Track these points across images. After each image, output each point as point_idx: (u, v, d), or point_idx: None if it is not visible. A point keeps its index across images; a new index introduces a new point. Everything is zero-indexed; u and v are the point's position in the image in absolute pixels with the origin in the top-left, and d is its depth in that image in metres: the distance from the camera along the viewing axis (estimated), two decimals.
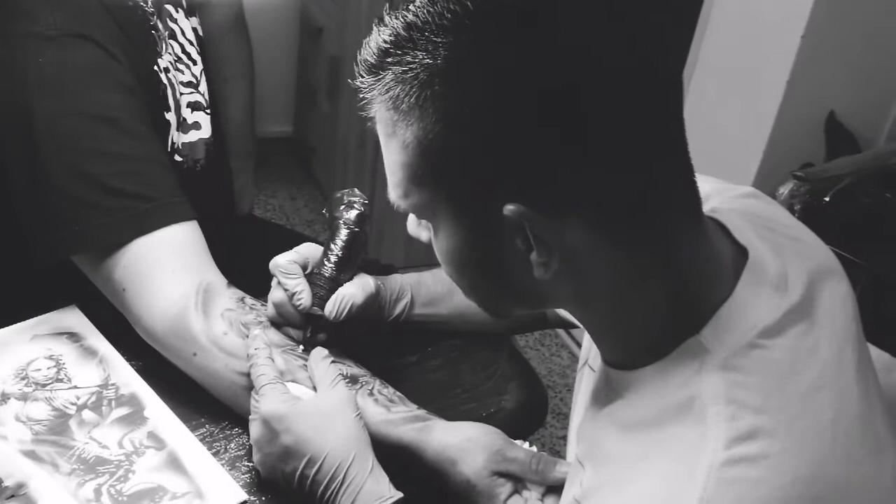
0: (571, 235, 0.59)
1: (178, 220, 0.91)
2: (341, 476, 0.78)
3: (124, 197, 0.88)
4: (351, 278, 0.92)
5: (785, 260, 0.66)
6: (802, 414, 0.59)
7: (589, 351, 0.89)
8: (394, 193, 0.65)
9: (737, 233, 0.67)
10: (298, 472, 0.79)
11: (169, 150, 1.02)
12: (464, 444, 0.84)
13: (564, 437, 2.11)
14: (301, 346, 0.90)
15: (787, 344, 0.62)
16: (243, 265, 0.99)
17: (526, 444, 0.85)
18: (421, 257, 2.43)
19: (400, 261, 2.37)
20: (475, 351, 1.04)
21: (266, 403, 0.80)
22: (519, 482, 0.83)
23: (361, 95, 0.62)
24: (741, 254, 0.66)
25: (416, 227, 0.74)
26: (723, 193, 0.76)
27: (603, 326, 0.68)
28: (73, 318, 0.97)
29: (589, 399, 0.77)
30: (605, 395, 0.71)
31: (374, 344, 0.98)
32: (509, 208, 0.58)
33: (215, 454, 0.86)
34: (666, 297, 0.63)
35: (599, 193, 0.58)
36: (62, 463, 0.81)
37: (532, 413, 1.02)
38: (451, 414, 0.95)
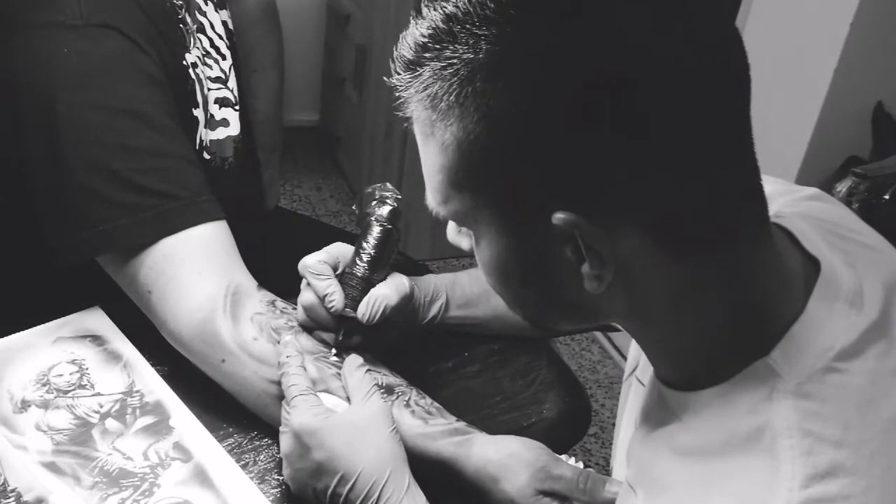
0: (626, 246, 0.54)
1: (206, 219, 0.87)
2: (376, 495, 0.74)
3: (150, 195, 0.84)
4: (384, 278, 0.87)
5: (859, 271, 0.61)
6: (885, 448, 0.54)
7: (636, 360, 0.85)
8: (432, 199, 0.61)
9: (806, 241, 0.62)
10: (331, 490, 0.75)
11: (197, 147, 0.98)
12: (506, 460, 0.79)
13: (595, 436, 2.06)
14: (333, 350, 0.85)
15: (866, 367, 0.57)
16: (273, 264, 0.95)
17: (572, 460, 0.81)
18: (447, 250, 2.44)
19: (426, 253, 2.34)
20: (514, 356, 1.00)
21: (297, 416, 0.76)
22: (565, 501, 0.78)
23: (398, 94, 0.57)
24: (811, 265, 0.61)
25: (457, 235, 0.69)
26: (786, 195, 0.71)
27: (658, 343, 0.63)
28: (96, 320, 0.93)
29: (639, 416, 0.72)
30: (658, 415, 0.66)
31: (408, 348, 0.94)
32: (558, 216, 0.53)
33: (244, 467, 0.82)
34: (730, 313, 0.58)
35: (660, 200, 0.53)
36: (84, 476, 0.78)
37: (574, 423, 0.97)
38: (489, 424, 0.90)
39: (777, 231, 0.61)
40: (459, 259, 2.44)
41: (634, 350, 0.85)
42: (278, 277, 0.89)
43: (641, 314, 0.60)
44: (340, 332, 0.85)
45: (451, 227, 0.68)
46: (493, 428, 0.89)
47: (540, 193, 0.54)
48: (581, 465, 0.80)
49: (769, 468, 0.53)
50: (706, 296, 0.57)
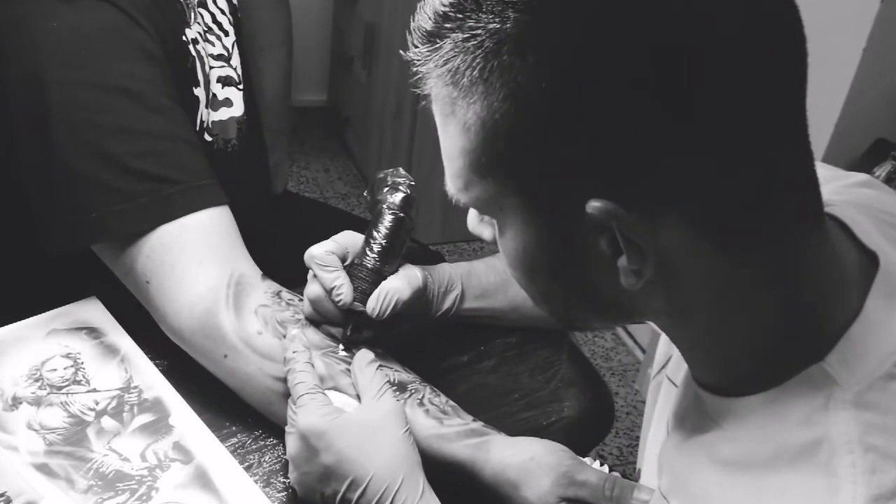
0: (668, 238, 0.49)
1: (207, 204, 0.82)
2: (388, 501, 0.69)
3: (147, 179, 0.79)
4: (396, 270, 0.82)
5: None
6: None
7: (665, 357, 0.79)
8: (452, 185, 0.56)
9: (861, 233, 0.57)
10: (340, 496, 0.70)
11: (197, 128, 0.92)
12: (526, 464, 0.74)
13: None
14: (341, 346, 0.80)
15: None
16: (279, 252, 0.90)
17: (596, 463, 0.76)
18: (458, 233, 2.39)
19: (436, 236, 2.29)
20: (532, 350, 0.94)
21: (304, 417, 0.71)
22: None
23: (415, 69, 0.52)
24: (867, 259, 0.55)
25: (478, 224, 0.64)
26: (833, 182, 0.65)
27: (699, 344, 0.58)
28: (92, 312, 0.88)
29: (671, 420, 0.67)
30: (695, 420, 0.61)
31: (421, 342, 0.89)
32: (594, 205, 0.48)
33: (248, 468, 0.77)
34: (780, 312, 0.53)
35: (707, 187, 0.48)
36: (78, 478, 0.73)
37: (597, 422, 0.92)
38: (507, 423, 0.85)
39: (829, 222, 0.56)
40: (470, 242, 2.39)
41: (664, 346, 0.79)
42: (285, 266, 0.84)
43: (681, 312, 0.55)
44: (349, 327, 0.80)
45: (473, 215, 0.63)
46: (511, 427, 0.85)
47: (573, 179, 0.49)
48: (606, 468, 0.75)
49: (827, 487, 0.48)
50: (753, 293, 0.52)
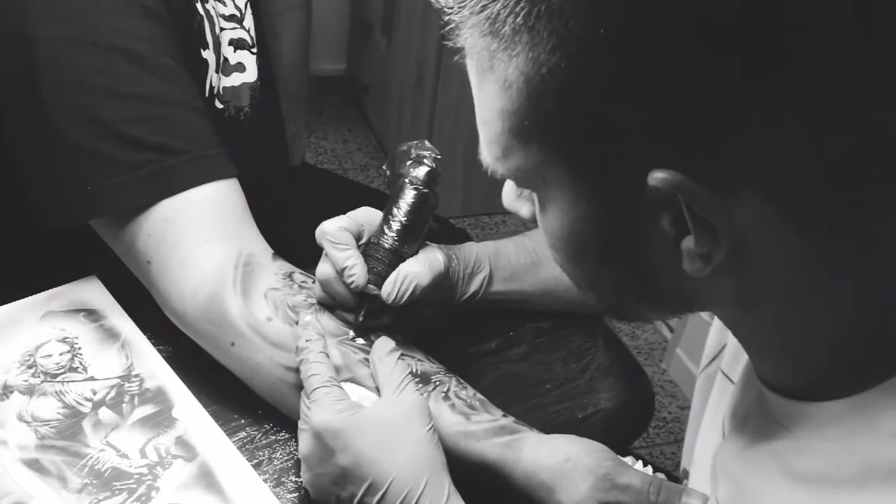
0: (743, 215, 0.42)
1: (213, 177, 0.75)
2: None
3: (146, 149, 0.72)
4: (416, 251, 0.75)
5: None
6: None
7: (716, 348, 0.72)
8: (488, 153, 0.49)
9: None
10: (357, 500, 0.63)
11: (206, 94, 0.85)
12: (562, 465, 0.67)
13: None
14: (351, 333, 0.73)
15: None
16: (294, 230, 0.83)
17: (639, 464, 0.69)
18: (479, 205, 2.32)
19: (456, 209, 2.22)
20: (566, 336, 0.87)
21: (318, 413, 0.65)
22: None
23: (447, 18, 0.45)
24: None
25: (515, 199, 0.57)
26: None
27: (769, 339, 0.51)
28: (92, 292, 0.82)
29: (729, 421, 0.60)
30: (759, 424, 0.54)
31: (444, 327, 0.82)
32: (658, 176, 0.41)
33: (257, 466, 0.71)
34: (869, 306, 0.45)
35: (795, 156, 0.40)
36: (71, 476, 0.67)
37: (636, 416, 0.85)
38: (539, 416, 0.79)
39: None
40: (492, 216, 2.32)
41: (715, 335, 0.72)
42: (300, 245, 0.77)
43: (752, 303, 0.48)
44: (361, 312, 0.73)
45: (509, 188, 0.56)
46: (542, 420, 0.78)
47: (634, 145, 0.42)
48: (650, 469, 0.68)
49: None
50: (839, 283, 0.45)
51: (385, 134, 2.41)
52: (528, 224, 0.58)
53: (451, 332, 0.84)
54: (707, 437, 0.67)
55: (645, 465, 0.69)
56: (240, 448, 0.71)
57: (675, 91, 0.39)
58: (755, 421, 0.55)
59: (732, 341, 0.67)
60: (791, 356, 0.50)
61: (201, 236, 0.73)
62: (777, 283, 0.46)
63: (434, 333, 0.79)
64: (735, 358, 0.65)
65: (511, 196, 0.57)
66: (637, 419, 0.85)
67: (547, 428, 0.73)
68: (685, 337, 1.91)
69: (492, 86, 0.44)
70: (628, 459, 0.68)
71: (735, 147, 0.40)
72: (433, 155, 0.75)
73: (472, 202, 2.27)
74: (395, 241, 0.73)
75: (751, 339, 0.52)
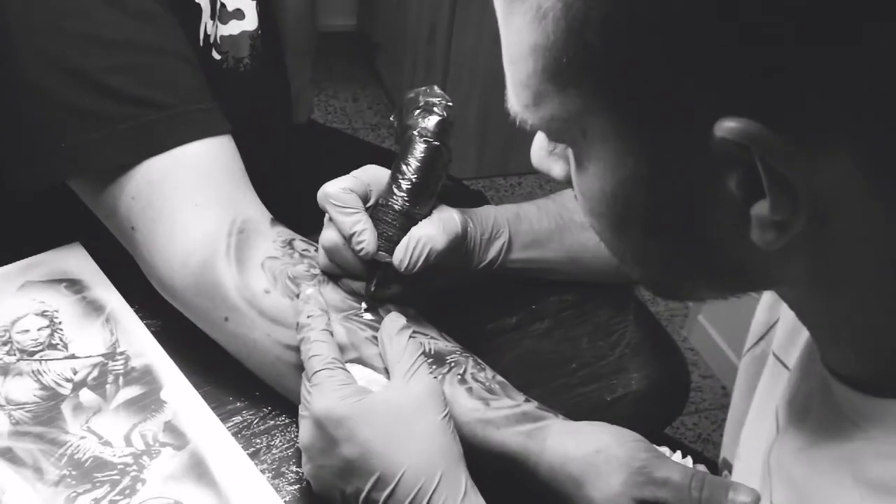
0: (829, 178, 0.35)
1: (203, 133, 0.67)
2: (424, 503, 0.56)
3: (128, 101, 0.64)
4: (429, 212, 0.67)
5: None
6: None
7: (764, 326, 0.65)
8: (516, 99, 0.41)
9: None
10: (364, 495, 0.57)
11: (201, 43, 0.77)
12: (592, 458, 0.60)
13: None
14: (363, 305, 0.66)
15: None
16: (298, 192, 0.76)
17: (677, 455, 0.62)
18: (494, 166, 2.24)
19: (469, 170, 2.14)
20: (592, 309, 0.80)
21: (320, 399, 0.58)
22: None
23: None
24: None
25: (546, 157, 0.49)
26: None
27: (844, 324, 0.44)
28: (75, 260, 0.75)
29: (784, 412, 0.53)
30: (825, 420, 0.47)
31: (460, 300, 0.75)
32: (729, 126, 0.34)
33: (254, 455, 0.64)
34: None
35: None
36: (48, 467, 0.60)
37: (671, 398, 0.78)
38: (564, 398, 0.72)
39: None
40: (507, 178, 2.24)
41: (765, 312, 0.64)
42: (306, 209, 0.70)
43: (829, 284, 0.41)
44: (373, 282, 0.66)
45: (539, 143, 0.49)
46: (568, 404, 0.71)
47: (698, 87, 0.34)
48: (689, 460, 0.61)
49: None
50: None
51: (397, 91, 2.33)
52: (559, 184, 0.51)
53: (466, 306, 0.77)
54: (756, 428, 0.60)
55: (684, 455, 0.61)
56: (235, 434, 0.65)
57: (754, 19, 0.32)
58: (818, 415, 0.48)
59: (786, 320, 0.60)
60: (866, 344, 0.43)
61: (191, 200, 0.66)
62: (858, 261, 0.39)
63: (447, 307, 0.72)
64: (790, 340, 0.58)
65: (541, 153, 0.49)
66: (671, 401, 0.78)
67: (573, 412, 0.66)
68: (708, 303, 1.83)
69: (522, 17, 0.37)
70: (664, 450, 0.61)
71: (834, 95, 0.32)
72: (444, 102, 0.67)
73: (486, 163, 2.19)
74: (406, 201, 0.65)
75: (821, 323, 0.45)
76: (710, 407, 1.78)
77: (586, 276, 0.81)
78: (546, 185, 2.21)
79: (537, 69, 0.38)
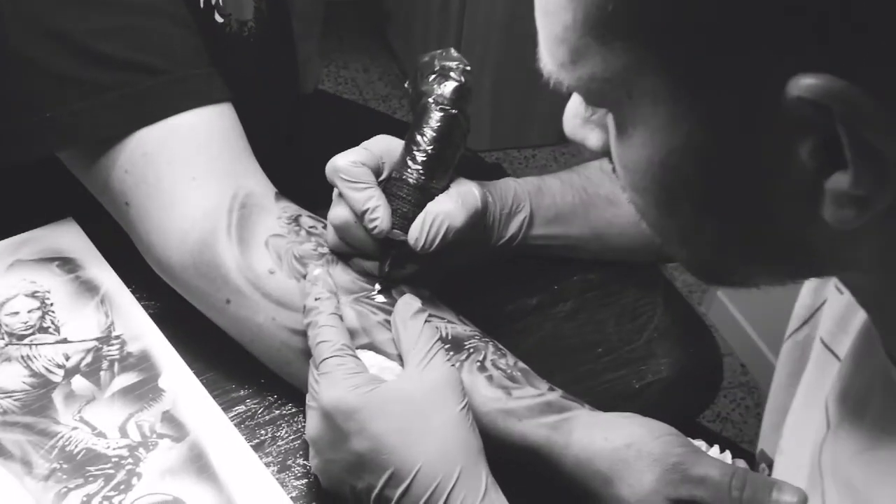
0: None
1: (201, 101, 0.63)
2: (441, 501, 0.51)
3: (118, 67, 0.59)
4: (446, 186, 0.62)
5: None
6: None
7: (808, 311, 0.60)
8: (551, 56, 0.37)
9: None
10: (376, 493, 0.52)
11: (203, 5, 0.72)
12: (622, 452, 0.56)
13: None
14: (377, 287, 0.62)
15: None
16: (303, 164, 0.71)
17: (714, 450, 0.57)
18: (508, 138, 2.18)
19: (483, 143, 2.08)
20: (618, 290, 0.75)
21: (329, 389, 0.53)
22: None
23: None
24: None
25: (581, 124, 0.44)
26: None
27: None
28: (67, 237, 0.70)
29: (835, 406, 0.49)
30: (889, 418, 0.42)
31: (477, 280, 0.70)
32: (807, 83, 0.29)
33: (258, 447, 0.60)
34: None
35: None
36: (37, 460, 0.56)
37: (703, 385, 0.73)
38: (589, 386, 0.67)
39: None
40: (521, 150, 2.18)
41: (810, 294, 0.60)
42: (313, 184, 0.65)
43: None
44: (386, 262, 0.61)
45: (574, 109, 0.44)
46: (594, 391, 0.67)
47: (772, 40, 0.30)
48: (728, 455, 0.57)
49: None
50: None
51: (409, 62, 2.28)
52: (575, 157, 0.46)
53: (483, 286, 0.72)
54: (802, 420, 0.55)
55: (722, 449, 0.57)
56: (238, 425, 0.61)
57: None
58: (880, 412, 0.43)
59: (834, 304, 0.55)
60: None
61: (188, 173, 0.61)
62: None
63: (463, 287, 0.67)
64: (839, 327, 0.53)
65: (575, 121, 0.44)
66: (703, 389, 0.73)
67: (598, 400, 0.61)
68: None
69: None
70: (700, 443, 0.57)
71: None
72: (461, 66, 0.62)
73: (500, 135, 2.13)
74: (421, 174, 0.61)
75: (885, 310, 0.40)
76: (729, 385, 1.73)
77: (611, 254, 0.76)
78: (560, 158, 2.16)
79: (577, 20, 0.33)
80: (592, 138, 0.44)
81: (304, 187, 0.66)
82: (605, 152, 0.42)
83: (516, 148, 2.19)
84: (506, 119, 2.09)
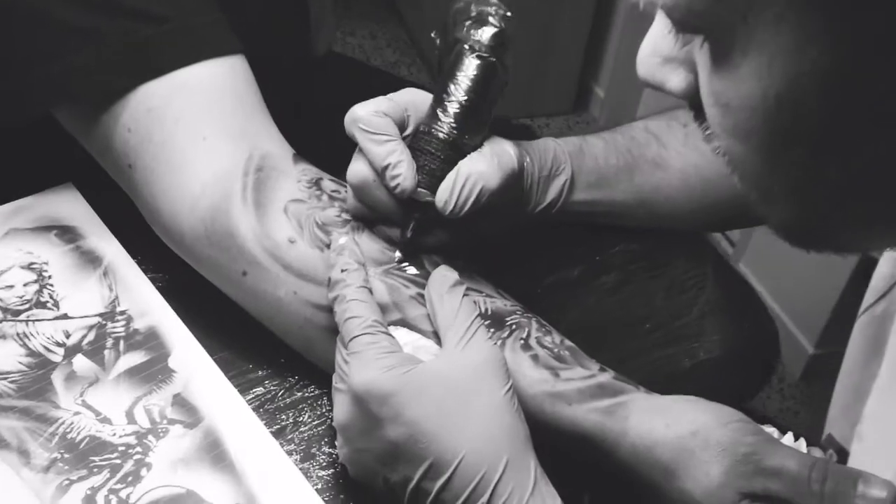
0: None
1: (211, 52, 0.57)
2: (486, 496, 0.46)
3: (119, 14, 0.53)
4: (479, 143, 0.56)
5: None
6: None
7: (887, 282, 0.54)
8: None
9: None
10: (413, 485, 0.47)
11: None
12: (687, 441, 0.50)
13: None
14: (396, 255, 0.56)
15: None
16: (318, 128, 0.65)
17: (788, 437, 0.51)
18: (519, 107, 2.11)
19: (517, 108, 2.01)
20: (666, 261, 0.69)
21: (360, 371, 0.48)
22: None
23: None
24: None
25: (661, 65, 0.38)
26: None
27: None
28: (67, 204, 0.64)
29: None
30: None
31: (511, 250, 0.65)
32: None
33: (278, 433, 0.54)
34: None
35: None
36: (36, 449, 0.51)
37: (758, 363, 0.68)
38: (638, 365, 0.62)
39: None
40: (534, 119, 2.11)
41: (888, 265, 0.54)
42: (327, 152, 0.59)
43: None
44: (409, 227, 0.55)
45: (652, 47, 0.38)
46: (642, 371, 0.61)
47: None
48: (803, 444, 0.51)
49: None
50: None
51: (418, 28, 2.21)
52: (590, 127, 0.40)
53: (518, 257, 0.66)
54: (885, 403, 0.49)
55: (797, 437, 0.51)
56: (256, 409, 0.55)
57: None
58: None
59: None
60: None
61: (198, 132, 0.55)
62: None
63: (496, 258, 0.61)
64: None
65: (653, 60, 0.38)
66: (759, 367, 0.68)
67: (647, 381, 0.56)
68: (749, 250, 1.71)
69: None
70: (772, 430, 0.51)
71: None
72: (501, 12, 0.55)
73: (511, 103, 2.07)
74: (454, 128, 0.54)
75: None
76: None
77: (657, 221, 0.70)
78: (575, 128, 2.09)
79: None
80: (674, 80, 0.38)
81: (317, 157, 0.60)
82: (687, 95, 0.36)
83: (529, 117, 2.13)
84: (518, 87, 2.02)
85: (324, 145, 0.58)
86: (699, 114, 0.35)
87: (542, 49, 1.97)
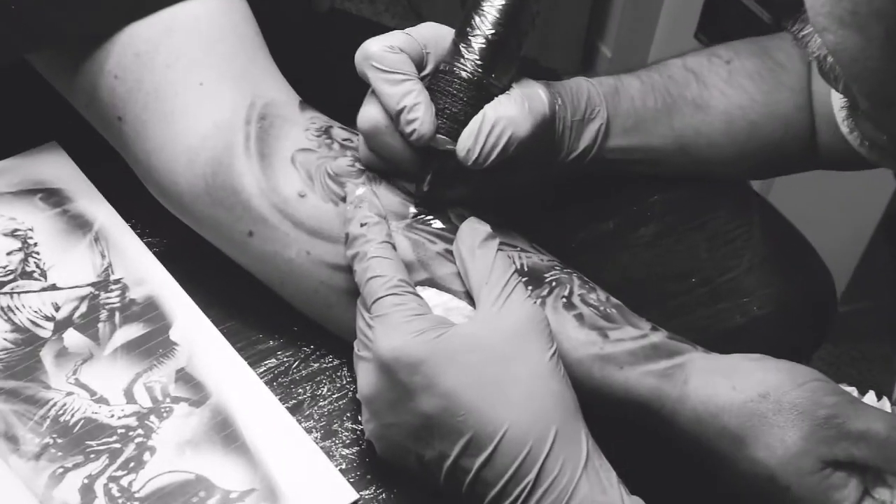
0: None
1: None
2: (533, 473, 0.41)
3: None
4: (508, 85, 0.50)
5: None
6: None
7: None
8: None
9: None
10: (449, 463, 0.42)
11: None
12: (757, 405, 0.45)
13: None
14: (411, 210, 0.50)
15: None
16: (326, 79, 0.59)
17: (870, 396, 0.46)
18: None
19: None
20: (708, 211, 0.63)
21: (387, 336, 0.42)
22: (873, 476, 0.44)
23: None
24: None
25: None
26: None
27: None
28: (52, 164, 0.58)
29: None
30: None
31: (544, 202, 0.59)
32: None
33: (295, 409, 0.49)
34: None
35: None
36: (25, 434, 0.45)
37: (815, 318, 0.62)
38: (682, 322, 0.57)
39: None
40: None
41: None
42: (332, 110, 0.53)
43: None
44: (426, 179, 0.49)
45: None
46: (690, 329, 0.55)
47: None
48: (887, 403, 0.46)
49: None
50: None
51: None
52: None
53: (550, 209, 0.60)
54: None
55: (879, 396, 0.46)
56: (269, 384, 0.50)
57: None
58: None
59: None
60: None
61: (193, 77, 0.50)
62: None
63: (526, 211, 0.56)
64: None
65: None
66: (816, 323, 0.62)
67: (697, 341, 0.50)
68: (774, 190, 1.64)
69: None
70: (851, 390, 0.46)
71: None
72: None
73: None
74: (478, 66, 0.48)
75: None
76: None
77: (698, 169, 0.64)
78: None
79: None
80: None
81: (326, 110, 0.54)
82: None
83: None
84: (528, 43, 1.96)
85: (331, 102, 0.53)
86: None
87: (546, 7, 1.90)
